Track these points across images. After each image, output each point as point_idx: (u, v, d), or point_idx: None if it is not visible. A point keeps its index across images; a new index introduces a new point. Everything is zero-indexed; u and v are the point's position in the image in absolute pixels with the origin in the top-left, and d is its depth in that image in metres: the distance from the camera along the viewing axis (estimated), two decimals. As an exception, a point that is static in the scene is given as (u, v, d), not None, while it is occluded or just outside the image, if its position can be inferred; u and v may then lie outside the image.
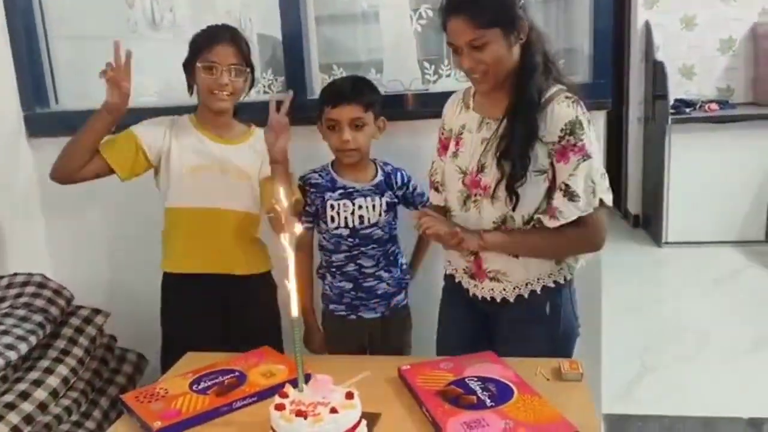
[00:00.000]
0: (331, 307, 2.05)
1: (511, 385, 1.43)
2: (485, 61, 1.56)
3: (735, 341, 3.21)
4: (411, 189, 2.04)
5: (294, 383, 1.37)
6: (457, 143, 1.73)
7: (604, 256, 2.30)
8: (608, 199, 1.64)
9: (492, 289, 1.72)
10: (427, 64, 2.30)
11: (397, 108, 2.21)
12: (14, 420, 1.61)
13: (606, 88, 2.15)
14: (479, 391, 1.41)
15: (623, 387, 2.80)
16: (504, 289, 1.71)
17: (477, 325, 1.82)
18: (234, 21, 3.28)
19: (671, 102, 4.54)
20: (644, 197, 5.12)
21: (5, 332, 1.71)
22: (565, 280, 1.72)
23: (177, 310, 1.96)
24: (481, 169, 1.65)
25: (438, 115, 1.84)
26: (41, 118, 2.53)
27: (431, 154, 1.86)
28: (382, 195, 1.97)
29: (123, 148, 1.89)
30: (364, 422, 1.32)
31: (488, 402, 1.36)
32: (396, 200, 2.01)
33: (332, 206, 1.94)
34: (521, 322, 1.72)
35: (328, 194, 1.94)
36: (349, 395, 1.32)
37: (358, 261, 1.98)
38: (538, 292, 1.69)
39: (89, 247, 2.57)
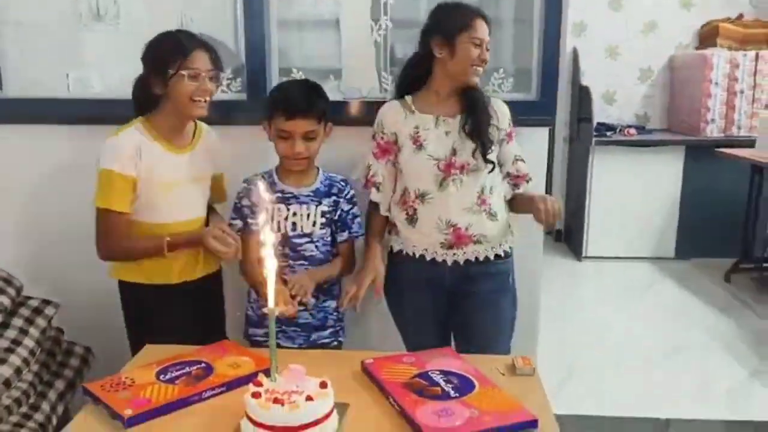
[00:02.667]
0: (251, 331, 2.05)
1: (471, 378, 1.52)
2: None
3: (648, 350, 3.45)
4: (348, 196, 2.05)
5: (265, 373, 1.42)
6: (416, 140, 1.97)
7: (527, 269, 2.49)
8: None
9: (476, 251, 1.99)
10: (385, 74, 2.39)
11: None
12: (-33, 409, 1.57)
13: (551, 106, 2.31)
14: (443, 383, 1.49)
15: (551, 390, 2.94)
16: (485, 249, 2.00)
17: (444, 307, 2.05)
18: (176, 19, 3.29)
19: (594, 125, 4.81)
20: (567, 213, 5.38)
21: (-44, 320, 1.67)
22: (510, 249, 2.07)
23: (166, 320, 1.90)
24: (454, 152, 1.93)
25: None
26: (-8, 104, 2.45)
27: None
28: (320, 203, 2.00)
29: (127, 192, 1.86)
30: (335, 411, 1.39)
31: (452, 393, 1.45)
32: (332, 211, 2.01)
33: (266, 209, 1.91)
34: (492, 292, 2.03)
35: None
36: (323, 384, 1.38)
37: (284, 276, 1.91)
38: (502, 256, 2.03)
39: (31, 238, 2.50)
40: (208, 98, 1.87)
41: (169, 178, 1.90)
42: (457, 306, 2.04)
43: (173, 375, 1.54)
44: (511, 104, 2.32)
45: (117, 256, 1.90)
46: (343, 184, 2.07)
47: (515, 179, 2.04)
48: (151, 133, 1.90)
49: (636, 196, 4.82)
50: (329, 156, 2.09)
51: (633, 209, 4.84)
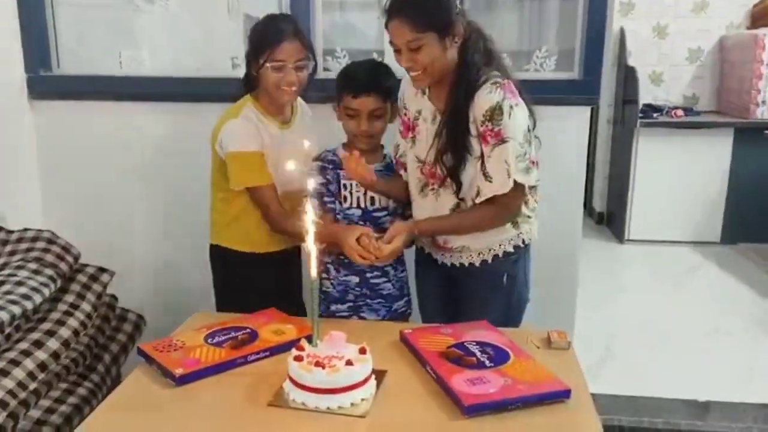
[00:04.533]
0: (332, 308, 2.02)
1: (507, 349, 1.56)
2: (421, 62, 1.71)
3: (691, 333, 3.41)
4: None
5: (308, 339, 1.48)
6: (414, 129, 1.89)
7: (564, 251, 2.48)
8: (525, 179, 1.77)
9: (460, 256, 1.91)
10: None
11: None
12: (30, 366, 1.67)
13: (594, 86, 2.30)
14: (478, 354, 1.53)
15: (589, 370, 2.95)
16: (470, 256, 1.90)
17: (448, 290, 2.00)
18: (224, 1, 3.37)
19: (640, 106, 4.74)
20: (609, 196, 5.33)
21: (20, 283, 1.77)
22: (523, 243, 1.91)
23: (251, 286, 2.00)
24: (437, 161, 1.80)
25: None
26: (43, 81, 2.57)
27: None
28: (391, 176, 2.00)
29: (263, 164, 1.94)
30: (373, 376, 1.44)
31: (488, 363, 1.49)
32: None
33: (345, 186, 1.97)
34: (482, 289, 1.92)
35: (341, 172, 1.96)
36: (362, 350, 1.44)
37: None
38: (500, 257, 1.88)
39: (85, 209, 2.62)
40: (295, 87, 1.91)
41: (279, 152, 1.95)
42: (452, 294, 2.00)
43: (220, 339, 1.62)
44: (553, 83, 2.36)
45: (286, 228, 1.94)
46: None
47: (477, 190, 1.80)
48: (260, 111, 1.97)
49: (682, 178, 4.73)
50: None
51: (678, 192, 4.75)
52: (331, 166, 1.99)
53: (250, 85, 1.99)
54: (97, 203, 2.61)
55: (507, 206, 1.81)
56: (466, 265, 1.91)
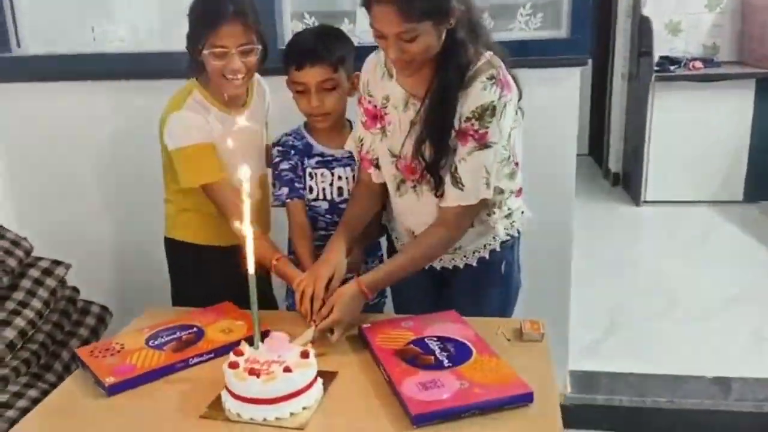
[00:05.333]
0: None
1: (469, 345, 1.42)
2: (413, 52, 1.42)
3: (704, 300, 3.24)
4: None
5: (249, 341, 1.36)
6: (382, 119, 1.61)
7: (581, 215, 2.30)
8: (508, 186, 1.61)
9: (453, 259, 1.70)
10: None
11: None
12: (-31, 372, 1.58)
13: (583, 44, 2.11)
14: (438, 351, 1.40)
15: (591, 344, 2.83)
16: (464, 256, 1.69)
17: (433, 289, 1.80)
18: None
19: (656, 59, 4.47)
20: (625, 156, 5.10)
21: (-42, 284, 1.68)
22: (518, 232, 1.72)
23: (219, 281, 1.77)
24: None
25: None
26: (2, 63, 2.44)
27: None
28: None
29: (213, 158, 1.73)
30: (319, 381, 1.32)
31: (446, 362, 1.35)
32: None
33: (311, 175, 1.78)
34: (477, 286, 1.71)
35: (306, 160, 1.77)
36: (305, 354, 1.31)
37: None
38: (498, 249, 1.69)
39: (54, 196, 2.51)
40: (241, 75, 1.68)
41: (234, 140, 1.72)
42: (442, 291, 1.79)
43: (163, 340, 1.51)
44: (538, 43, 2.16)
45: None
46: None
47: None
48: (207, 99, 1.75)
49: (701, 135, 4.49)
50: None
51: (697, 150, 4.51)
52: (293, 152, 1.78)
53: (195, 67, 1.73)
54: (66, 191, 2.49)
55: (460, 226, 1.58)
56: (461, 267, 1.70)
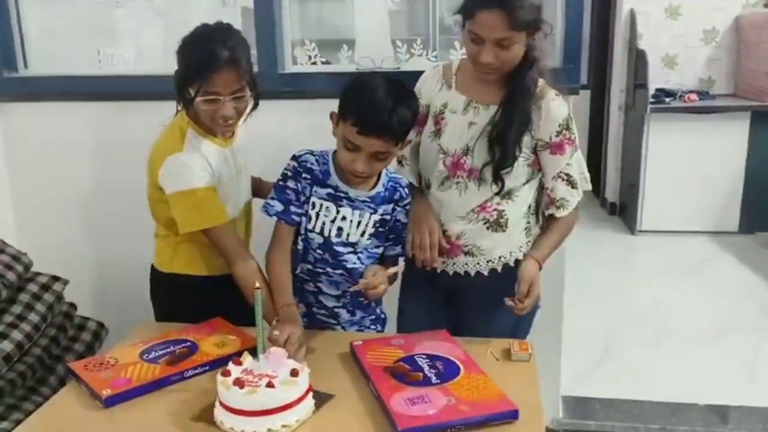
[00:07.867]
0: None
1: (458, 363, 1.44)
2: (504, 60, 1.55)
3: (698, 330, 3.25)
4: (408, 207, 1.73)
5: (252, 352, 1.39)
6: (438, 122, 1.71)
7: (577, 243, 2.32)
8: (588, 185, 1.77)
9: (466, 264, 1.74)
10: (399, 43, 2.29)
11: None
12: (-34, 383, 1.61)
13: (575, 73, 2.15)
14: (426, 369, 1.42)
15: (584, 370, 2.83)
16: (478, 263, 1.73)
17: (440, 306, 1.83)
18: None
19: (652, 91, 4.54)
20: (622, 185, 5.14)
21: (-40, 296, 1.71)
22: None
23: (196, 310, 1.73)
24: (466, 152, 1.66)
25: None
26: (9, 83, 2.49)
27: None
28: (375, 211, 1.68)
29: (216, 200, 1.71)
30: (309, 397, 1.33)
31: (434, 379, 1.38)
32: (387, 220, 1.70)
33: (313, 204, 1.66)
34: (490, 300, 1.68)
35: (315, 188, 1.66)
36: (294, 372, 1.33)
37: (319, 283, 1.71)
38: (512, 265, 1.72)
39: (55, 213, 2.55)
40: (231, 121, 1.67)
41: (227, 174, 1.75)
42: (450, 309, 1.83)
43: (157, 354, 1.53)
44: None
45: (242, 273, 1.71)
46: (406, 192, 1.73)
47: (547, 199, 1.72)
48: (200, 133, 1.71)
49: (696, 166, 4.53)
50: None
51: (692, 180, 4.55)
52: (306, 175, 1.66)
53: (184, 103, 1.69)
54: (69, 209, 2.53)
55: (577, 212, 1.76)
56: (473, 275, 1.73)
